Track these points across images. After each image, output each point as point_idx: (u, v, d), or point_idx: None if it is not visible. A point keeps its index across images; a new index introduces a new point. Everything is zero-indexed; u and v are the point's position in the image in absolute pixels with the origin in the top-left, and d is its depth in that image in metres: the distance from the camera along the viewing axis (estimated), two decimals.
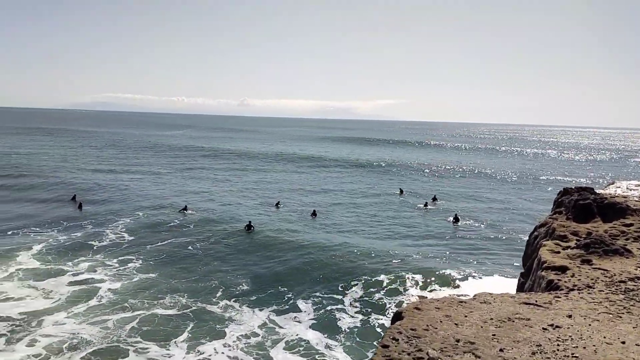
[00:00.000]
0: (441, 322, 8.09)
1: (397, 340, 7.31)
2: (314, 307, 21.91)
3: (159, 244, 31.12)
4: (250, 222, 33.44)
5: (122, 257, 28.50)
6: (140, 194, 46.19)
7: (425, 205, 46.80)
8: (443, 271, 26.34)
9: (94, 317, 20.28)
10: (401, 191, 54.71)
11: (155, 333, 19.08)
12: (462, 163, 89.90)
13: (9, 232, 32.63)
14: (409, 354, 6.80)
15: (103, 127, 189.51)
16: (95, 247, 29.94)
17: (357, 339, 18.85)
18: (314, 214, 39.73)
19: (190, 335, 19.03)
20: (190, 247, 30.57)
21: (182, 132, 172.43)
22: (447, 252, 30.69)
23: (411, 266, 26.97)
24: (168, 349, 17.77)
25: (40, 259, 27.49)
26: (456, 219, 40.03)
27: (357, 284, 24.61)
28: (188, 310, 21.38)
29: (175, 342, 18.44)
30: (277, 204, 43.95)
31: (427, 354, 6.65)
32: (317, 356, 17.57)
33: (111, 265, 27.05)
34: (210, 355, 17.50)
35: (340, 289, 24.10)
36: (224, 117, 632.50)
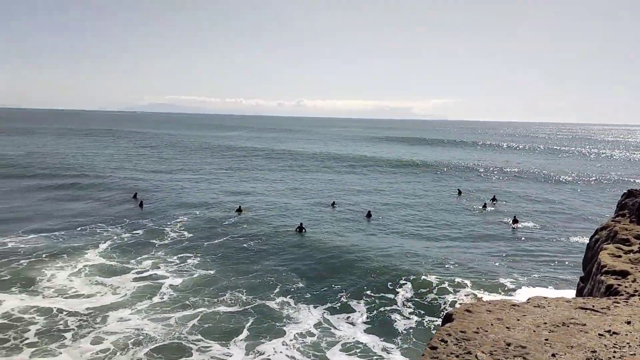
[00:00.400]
0: (492, 325, 8.01)
1: (446, 342, 7.31)
2: (367, 307, 21.97)
3: (216, 241, 32.06)
4: (301, 223, 33.80)
5: (182, 255, 29.57)
6: (196, 193, 47.73)
7: (484, 206, 45.73)
8: (498, 274, 25.74)
9: (157, 313, 21.12)
10: (459, 192, 53.69)
11: (216, 330, 19.62)
12: (521, 163, 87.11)
13: (77, 229, 34.51)
14: (457, 356, 6.80)
15: (162, 129, 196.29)
16: (156, 245, 31.21)
17: (413, 340, 18.75)
18: (369, 214, 39.74)
19: (249, 333, 19.45)
20: (245, 245, 31.30)
21: (239, 133, 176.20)
22: (505, 255, 29.91)
23: (466, 268, 26.52)
24: (228, 348, 18.17)
25: (106, 255, 28.96)
26: (515, 221, 39.02)
27: (408, 284, 24.41)
28: (247, 307, 21.89)
29: (235, 340, 18.88)
30: (333, 204, 44.25)
31: (476, 356, 6.63)
32: (374, 358, 17.58)
33: (172, 262, 28.12)
34: (269, 356, 17.76)
35: (392, 288, 24.02)
36: (281, 118, 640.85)
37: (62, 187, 50.75)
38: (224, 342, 18.73)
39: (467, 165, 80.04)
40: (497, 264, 27.65)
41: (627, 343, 7.06)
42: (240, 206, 40.84)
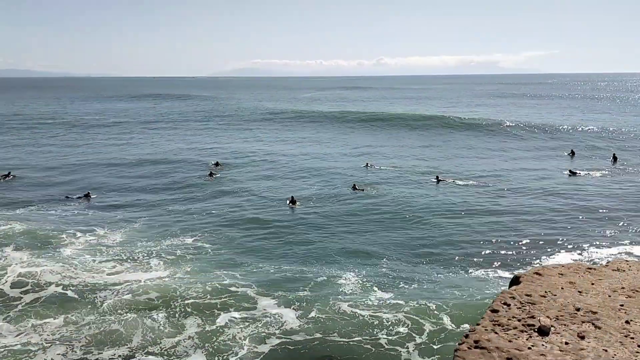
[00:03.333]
0: (562, 289, 7.55)
1: (509, 305, 6.99)
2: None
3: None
4: (292, 196, 30.51)
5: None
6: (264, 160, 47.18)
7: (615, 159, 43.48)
8: (594, 236, 24.04)
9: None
10: (572, 153, 48.99)
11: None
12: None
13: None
14: (519, 320, 6.48)
15: (254, 91, 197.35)
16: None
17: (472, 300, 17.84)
18: (436, 180, 36.33)
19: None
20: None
21: (316, 93, 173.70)
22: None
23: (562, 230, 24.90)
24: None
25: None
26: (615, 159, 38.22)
27: (489, 247, 23.45)
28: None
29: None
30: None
31: (539, 321, 6.28)
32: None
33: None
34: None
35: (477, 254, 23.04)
36: (360, 78, 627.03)
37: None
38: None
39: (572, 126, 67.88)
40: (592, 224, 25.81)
41: None
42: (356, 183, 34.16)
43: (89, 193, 32.12)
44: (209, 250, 22.65)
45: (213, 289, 18.14)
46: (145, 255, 21.94)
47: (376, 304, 17.04)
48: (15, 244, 23.06)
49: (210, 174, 37.66)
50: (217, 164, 41.51)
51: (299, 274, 19.73)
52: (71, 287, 18.59)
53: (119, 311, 16.76)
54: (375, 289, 18.42)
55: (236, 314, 16.52)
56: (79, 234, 24.72)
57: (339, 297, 17.60)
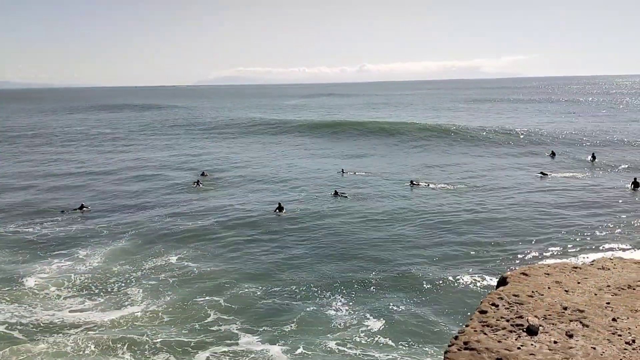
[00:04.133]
0: (549, 288, 7.59)
1: (497, 306, 7.00)
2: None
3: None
4: (280, 203, 30.45)
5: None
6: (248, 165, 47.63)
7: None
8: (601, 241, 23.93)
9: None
10: (553, 153, 48.75)
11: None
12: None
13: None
14: (507, 321, 6.49)
15: (237, 99, 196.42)
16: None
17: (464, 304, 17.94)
18: (410, 184, 36.41)
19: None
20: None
21: (298, 101, 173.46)
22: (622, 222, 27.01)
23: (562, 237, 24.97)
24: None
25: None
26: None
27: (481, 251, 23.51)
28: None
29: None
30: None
31: (527, 320, 6.30)
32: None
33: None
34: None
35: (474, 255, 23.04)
36: (343, 84, 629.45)
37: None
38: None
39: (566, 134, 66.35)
40: (609, 232, 25.68)
41: None
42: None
43: (82, 205, 31.71)
44: (194, 271, 20.87)
45: (191, 326, 16.19)
46: (122, 284, 19.81)
47: (365, 340, 15.39)
48: None
49: (197, 183, 37.68)
50: (203, 174, 41.57)
51: (287, 299, 18.33)
52: (19, 327, 16.09)
53: (70, 356, 14.38)
54: (368, 316, 16.81)
55: (217, 350, 14.83)
56: (54, 260, 22.69)
57: (328, 328, 16.03)
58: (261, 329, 16.10)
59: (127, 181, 41.23)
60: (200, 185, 37.47)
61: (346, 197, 32.75)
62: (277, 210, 29.13)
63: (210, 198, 34.01)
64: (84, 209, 31.47)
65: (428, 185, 35.82)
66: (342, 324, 16.29)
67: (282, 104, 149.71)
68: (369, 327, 16.06)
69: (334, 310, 17.38)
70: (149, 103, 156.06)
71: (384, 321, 16.40)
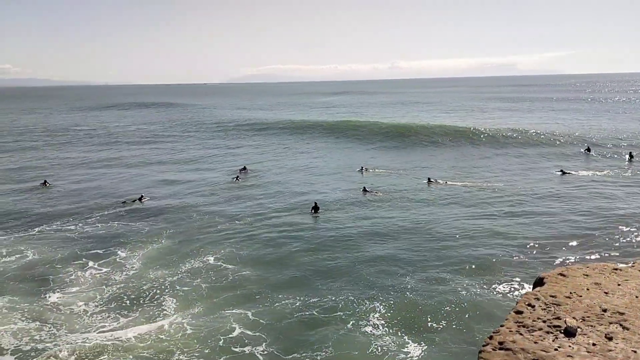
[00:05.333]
0: (588, 289, 7.43)
1: (533, 306, 6.90)
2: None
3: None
4: (315, 203, 30.45)
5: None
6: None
7: (631, 157, 43.26)
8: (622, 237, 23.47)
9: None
10: (588, 149, 48.20)
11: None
12: None
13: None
14: (544, 322, 6.40)
15: (266, 97, 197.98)
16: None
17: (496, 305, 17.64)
18: (427, 182, 36.19)
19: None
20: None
21: (335, 98, 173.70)
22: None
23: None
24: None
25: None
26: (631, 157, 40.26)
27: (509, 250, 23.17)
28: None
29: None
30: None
31: (565, 322, 6.19)
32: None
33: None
34: None
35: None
36: (375, 81, 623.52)
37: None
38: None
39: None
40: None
41: None
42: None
43: (142, 196, 32.94)
44: (228, 275, 20.25)
45: (214, 343, 15.10)
46: (157, 291, 18.95)
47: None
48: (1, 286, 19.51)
49: (237, 178, 38.97)
50: (244, 168, 42.60)
51: (321, 312, 17.06)
52: (31, 356, 14.36)
53: None
54: (405, 336, 15.40)
55: None
56: (90, 262, 22.04)
57: (365, 355, 14.45)
58: (289, 357, 14.38)
59: (165, 177, 42.02)
60: (239, 180, 38.38)
61: (375, 194, 32.73)
62: (313, 211, 29.32)
63: (248, 196, 34.32)
64: (143, 199, 32.74)
65: (446, 183, 35.63)
66: (379, 349, 14.78)
67: (310, 102, 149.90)
68: (408, 353, 14.61)
69: (372, 327, 15.94)
70: (180, 102, 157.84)
71: (423, 344, 15.01)
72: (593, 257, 21.34)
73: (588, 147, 48.50)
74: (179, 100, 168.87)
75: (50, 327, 16.08)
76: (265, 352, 14.61)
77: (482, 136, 58.38)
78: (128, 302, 18.16)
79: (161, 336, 15.62)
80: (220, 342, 15.17)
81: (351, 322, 16.13)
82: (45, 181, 38.44)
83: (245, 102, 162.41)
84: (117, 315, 17.17)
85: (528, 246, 22.97)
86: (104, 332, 15.97)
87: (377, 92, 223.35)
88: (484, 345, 6.15)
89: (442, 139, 58.55)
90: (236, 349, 14.84)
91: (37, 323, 16.36)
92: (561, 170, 38.52)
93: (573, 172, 38.18)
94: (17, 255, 23.05)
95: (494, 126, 65.73)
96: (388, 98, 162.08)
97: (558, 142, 54.31)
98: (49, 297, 18.47)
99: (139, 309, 17.55)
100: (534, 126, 65.57)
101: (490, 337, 6.25)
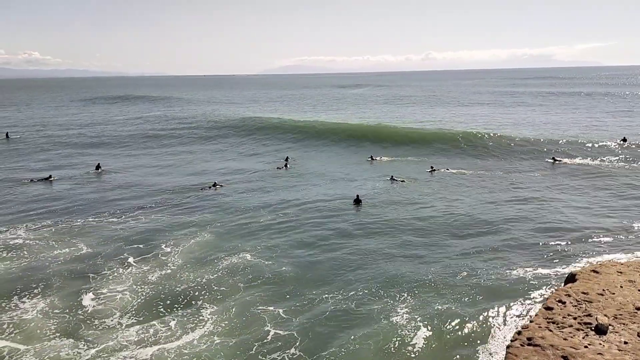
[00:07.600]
0: (621, 287, 7.29)
1: (564, 303, 6.82)
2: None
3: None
4: (357, 195, 30.41)
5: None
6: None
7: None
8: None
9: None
10: (624, 139, 46.73)
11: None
12: None
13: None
14: (574, 319, 6.32)
15: (290, 89, 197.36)
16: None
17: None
18: (431, 170, 35.67)
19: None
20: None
21: (361, 90, 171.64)
22: None
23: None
24: None
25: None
26: None
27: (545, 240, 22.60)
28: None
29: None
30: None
31: (596, 319, 6.10)
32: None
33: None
34: None
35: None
36: (408, 73, 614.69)
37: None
38: None
39: None
40: None
41: None
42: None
43: (215, 183, 33.99)
44: (264, 272, 19.23)
45: (247, 347, 13.96)
46: (195, 292, 17.13)
47: None
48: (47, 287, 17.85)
49: (286, 166, 40.24)
50: (287, 159, 43.60)
51: (354, 311, 15.82)
52: None
53: None
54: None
55: None
56: (132, 258, 22.09)
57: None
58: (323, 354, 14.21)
59: (209, 168, 42.61)
60: (282, 169, 39.50)
61: (402, 181, 32.89)
62: (355, 204, 29.55)
63: (290, 188, 34.50)
64: (217, 186, 33.82)
65: (447, 169, 36.05)
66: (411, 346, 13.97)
67: (346, 93, 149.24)
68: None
69: (407, 330, 14.75)
70: (218, 94, 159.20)
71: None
72: (624, 254, 20.74)
73: (624, 137, 46.83)
74: (218, 95, 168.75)
75: (82, 344, 15.00)
76: (296, 356, 13.94)
77: (490, 143, 56.93)
78: (162, 309, 16.64)
79: (195, 342, 14.91)
80: (255, 344, 14.38)
81: (387, 324, 15.21)
82: (98, 164, 39.58)
83: (278, 93, 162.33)
84: (149, 328, 15.67)
85: (556, 240, 22.46)
86: (136, 346, 14.98)
87: (408, 85, 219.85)
88: (512, 341, 6.12)
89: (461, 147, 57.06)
90: (268, 346, 14.25)
91: (71, 339, 15.03)
92: (553, 158, 38.18)
93: (607, 162, 37.11)
94: (68, 249, 21.98)
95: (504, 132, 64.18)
96: (420, 92, 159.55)
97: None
98: (82, 300, 16.77)
99: (174, 318, 15.96)
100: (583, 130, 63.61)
101: (519, 333, 6.21)
